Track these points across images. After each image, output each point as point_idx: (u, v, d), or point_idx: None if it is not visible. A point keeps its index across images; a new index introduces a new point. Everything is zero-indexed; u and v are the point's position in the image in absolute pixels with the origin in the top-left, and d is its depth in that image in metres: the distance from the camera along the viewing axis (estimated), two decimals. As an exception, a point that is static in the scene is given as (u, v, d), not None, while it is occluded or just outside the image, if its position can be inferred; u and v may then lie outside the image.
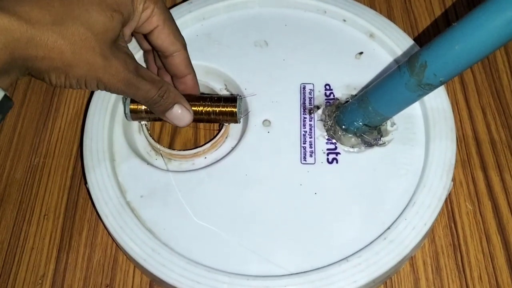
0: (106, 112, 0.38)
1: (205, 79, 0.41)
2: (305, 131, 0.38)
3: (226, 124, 0.38)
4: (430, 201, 0.34)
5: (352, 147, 0.37)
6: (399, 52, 0.40)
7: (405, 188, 0.35)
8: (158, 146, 0.38)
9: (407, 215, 0.34)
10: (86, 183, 0.36)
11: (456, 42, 0.27)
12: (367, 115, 0.34)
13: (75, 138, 0.42)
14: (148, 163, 0.37)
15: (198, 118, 0.37)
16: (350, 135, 0.37)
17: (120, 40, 0.31)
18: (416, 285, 0.35)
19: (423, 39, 0.46)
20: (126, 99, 0.37)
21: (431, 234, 0.37)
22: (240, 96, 0.38)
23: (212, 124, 0.41)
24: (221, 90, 0.41)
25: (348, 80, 0.40)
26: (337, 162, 0.37)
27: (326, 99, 0.39)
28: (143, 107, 0.36)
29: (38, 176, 0.40)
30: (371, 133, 0.37)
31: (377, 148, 0.37)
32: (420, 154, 0.37)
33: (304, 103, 0.39)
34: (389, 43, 0.41)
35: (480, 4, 0.26)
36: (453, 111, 0.38)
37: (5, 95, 0.26)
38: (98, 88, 0.30)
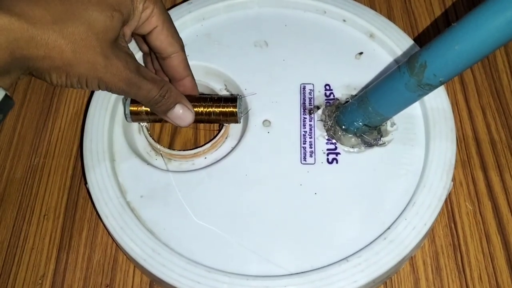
0: (106, 112, 0.38)
1: (205, 79, 0.41)
2: (305, 131, 0.38)
3: (226, 124, 0.38)
4: (430, 201, 0.34)
5: (352, 147, 0.37)
6: (399, 52, 0.40)
7: (405, 188, 0.35)
8: (158, 146, 0.38)
9: (407, 215, 0.34)
10: (86, 183, 0.36)
11: (456, 42, 0.27)
12: (367, 115, 0.34)
13: (75, 138, 0.42)
14: (148, 163, 0.37)
15: (198, 118, 0.37)
16: (350, 135, 0.37)
17: (120, 40, 0.31)
18: (416, 285, 0.35)
19: (423, 39, 0.46)
20: (126, 100, 0.37)
21: (431, 234, 0.37)
22: (240, 96, 0.38)
23: (212, 124, 0.41)
24: (221, 90, 0.41)
25: (348, 80, 0.40)
26: (337, 162, 0.37)
27: (326, 99, 0.39)
28: (143, 108, 0.36)
29: (38, 176, 0.40)
30: (371, 133, 0.37)
31: (377, 148, 0.37)
32: (420, 154, 0.37)
33: (304, 103, 0.39)
34: (389, 43, 0.41)
35: (480, 4, 0.26)
36: (453, 111, 0.38)
37: (6, 95, 0.26)
38: (99, 88, 0.30)
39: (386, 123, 0.37)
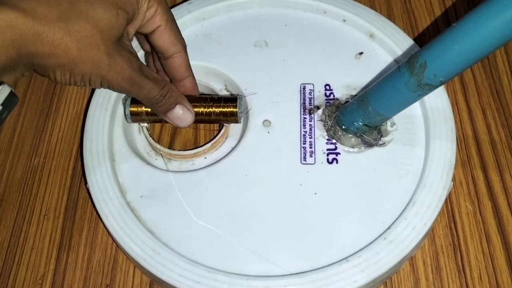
0: (106, 113, 0.38)
1: (205, 79, 0.41)
2: (305, 131, 0.38)
3: (226, 124, 0.38)
4: (430, 201, 0.34)
5: (352, 147, 0.37)
6: (399, 52, 0.40)
7: (405, 188, 0.35)
8: (158, 146, 0.38)
9: (407, 215, 0.34)
10: (86, 183, 0.36)
11: (456, 42, 0.27)
12: (367, 115, 0.34)
13: (75, 138, 0.42)
14: (148, 163, 0.37)
15: (198, 118, 0.37)
16: (350, 135, 0.37)
17: (124, 38, 0.31)
18: (416, 285, 0.35)
19: (423, 39, 0.46)
20: (126, 100, 0.37)
21: (431, 234, 0.37)
22: (240, 96, 0.38)
23: (212, 124, 0.41)
24: (221, 90, 0.41)
25: (348, 80, 0.40)
26: (337, 162, 0.37)
27: (326, 99, 0.39)
28: (144, 109, 0.36)
29: (38, 176, 0.40)
30: (371, 133, 0.37)
31: (377, 148, 0.37)
32: (420, 154, 0.37)
33: (304, 103, 0.39)
34: (389, 43, 0.41)
35: (480, 4, 0.26)
36: (453, 111, 0.38)
37: (11, 91, 0.26)
38: (101, 86, 0.30)
39: (386, 123, 0.37)
